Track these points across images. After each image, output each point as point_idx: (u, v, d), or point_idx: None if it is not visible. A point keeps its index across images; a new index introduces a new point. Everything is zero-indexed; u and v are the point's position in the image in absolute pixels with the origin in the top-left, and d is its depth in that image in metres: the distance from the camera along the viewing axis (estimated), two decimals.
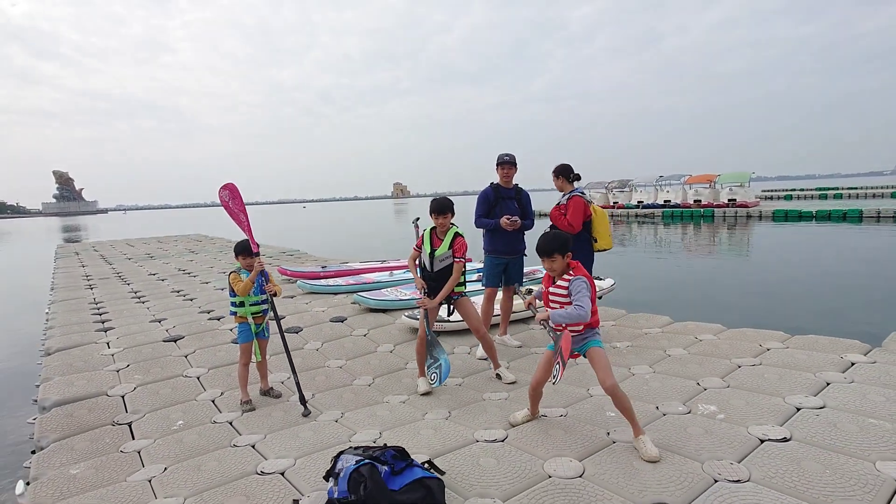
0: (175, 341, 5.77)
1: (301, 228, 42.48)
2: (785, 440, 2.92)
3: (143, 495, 2.81)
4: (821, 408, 3.30)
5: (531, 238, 5.10)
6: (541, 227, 4.80)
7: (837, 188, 54.70)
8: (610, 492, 2.52)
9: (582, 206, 4.74)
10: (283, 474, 2.89)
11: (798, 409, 3.30)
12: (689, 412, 3.41)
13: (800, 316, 7.95)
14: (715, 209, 30.33)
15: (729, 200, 31.22)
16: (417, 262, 4.25)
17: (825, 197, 44.23)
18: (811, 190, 56.18)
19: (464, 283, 4.20)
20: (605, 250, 4.94)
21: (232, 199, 4.06)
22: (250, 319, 4.01)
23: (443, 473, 2.68)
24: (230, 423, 3.72)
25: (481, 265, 6.98)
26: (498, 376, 4.31)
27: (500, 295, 5.21)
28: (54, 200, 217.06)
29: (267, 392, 4.20)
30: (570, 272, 3.01)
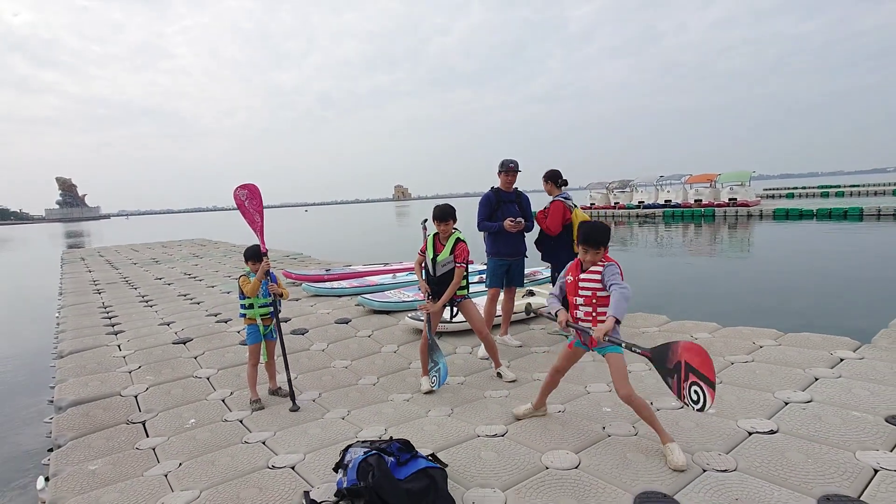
0: (184, 343, 5.93)
1: (303, 232, 42.69)
2: (772, 432, 3.06)
3: (161, 488, 2.96)
4: (808, 402, 3.43)
5: (530, 239, 5.27)
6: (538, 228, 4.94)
7: (839, 186, 54.68)
8: (604, 481, 2.66)
9: (560, 211, 4.99)
10: (293, 468, 3.04)
11: (786, 404, 3.43)
12: (681, 407, 3.53)
13: (795, 314, 8.06)
14: (716, 209, 30.43)
15: (730, 200, 31.30)
16: (423, 266, 4.39)
17: (827, 195, 44.22)
18: (813, 188, 56.15)
19: (466, 286, 4.34)
20: None
21: (250, 200, 4.20)
22: (259, 321, 4.16)
23: (445, 466, 2.82)
24: (240, 421, 3.87)
25: (483, 267, 7.12)
26: (499, 375, 4.45)
27: (501, 296, 5.36)
28: (57, 206, 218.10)
29: (275, 392, 4.35)
30: (602, 260, 3.02)
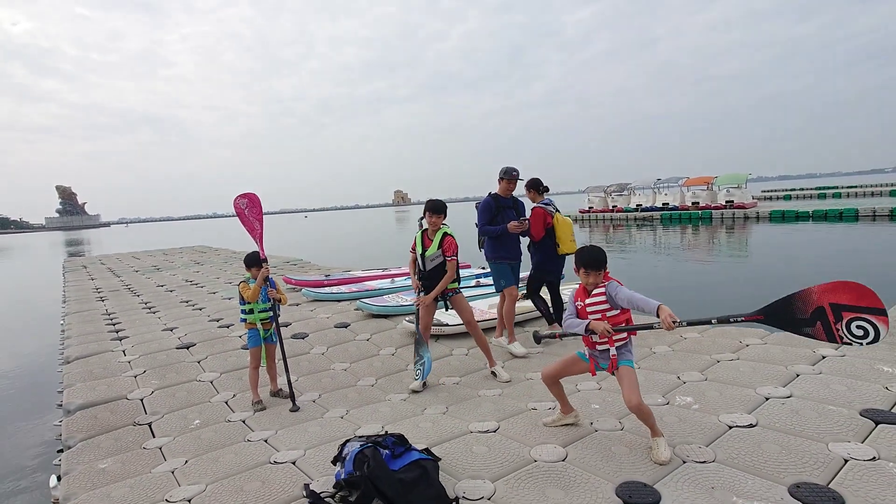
0: (188, 348, 6.07)
1: (303, 238, 42.88)
2: (751, 426, 3.20)
3: (168, 483, 3.11)
4: (787, 397, 3.58)
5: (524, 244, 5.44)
6: None
7: (837, 187, 54.90)
8: (588, 472, 2.81)
9: (541, 217, 5.28)
10: (294, 463, 3.18)
11: (767, 399, 3.58)
12: (667, 403, 3.69)
13: None
14: (713, 211, 30.62)
15: (727, 202, 31.51)
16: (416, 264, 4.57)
17: (824, 196, 44.45)
18: (811, 189, 56.40)
19: (458, 280, 4.51)
20: (569, 254, 5.31)
21: (250, 209, 4.37)
22: (259, 325, 4.32)
23: (439, 459, 2.97)
24: (243, 422, 4.02)
25: (481, 271, 7.26)
26: (493, 374, 4.60)
27: (498, 299, 5.52)
28: (57, 215, 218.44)
29: (276, 393, 4.49)
30: (603, 281, 3.05)
